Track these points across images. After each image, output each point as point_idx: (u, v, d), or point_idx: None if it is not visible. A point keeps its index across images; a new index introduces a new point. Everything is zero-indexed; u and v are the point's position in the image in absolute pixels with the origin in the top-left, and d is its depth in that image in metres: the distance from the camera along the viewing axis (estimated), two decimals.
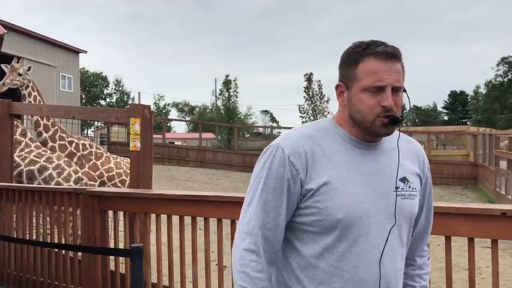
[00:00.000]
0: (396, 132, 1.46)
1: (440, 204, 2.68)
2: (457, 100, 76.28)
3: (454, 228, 2.55)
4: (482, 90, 67.45)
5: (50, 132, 5.47)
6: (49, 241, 4.31)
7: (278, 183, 1.40)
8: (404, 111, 1.50)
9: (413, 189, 1.47)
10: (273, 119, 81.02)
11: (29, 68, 6.17)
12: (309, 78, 40.05)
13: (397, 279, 1.45)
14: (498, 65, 58.22)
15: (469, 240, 2.58)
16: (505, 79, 58.02)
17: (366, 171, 1.42)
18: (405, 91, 1.41)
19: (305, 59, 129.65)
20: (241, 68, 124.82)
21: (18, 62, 6.03)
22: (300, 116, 39.88)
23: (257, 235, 1.40)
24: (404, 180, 1.45)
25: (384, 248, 1.39)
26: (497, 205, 2.63)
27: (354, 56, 1.40)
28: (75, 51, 31.23)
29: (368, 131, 1.41)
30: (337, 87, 1.47)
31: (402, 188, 1.44)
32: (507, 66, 57.45)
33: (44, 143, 5.50)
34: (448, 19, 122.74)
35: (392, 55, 1.36)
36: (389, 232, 1.40)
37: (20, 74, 5.94)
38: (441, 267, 5.10)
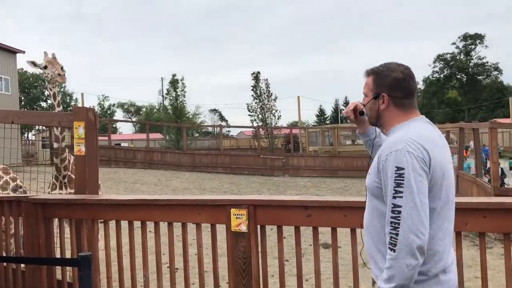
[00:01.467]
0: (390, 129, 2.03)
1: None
2: None
3: None
4: (421, 86, 70.54)
5: None
6: None
7: None
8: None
9: (370, 170, 1.97)
10: (221, 118, 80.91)
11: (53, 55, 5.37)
12: (256, 77, 40.25)
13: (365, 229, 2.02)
14: (434, 62, 61.17)
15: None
16: (441, 75, 61.02)
17: None
18: (376, 97, 2.00)
19: (252, 58, 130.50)
20: (188, 67, 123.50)
21: (47, 54, 5.19)
22: (249, 115, 40.01)
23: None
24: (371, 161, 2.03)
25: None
26: None
27: None
28: (12, 51, 29.69)
29: None
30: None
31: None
32: (442, 62, 60.42)
33: None
34: (385, 18, 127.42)
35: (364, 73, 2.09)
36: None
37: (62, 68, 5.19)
38: None
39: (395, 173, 1.78)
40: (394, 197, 1.77)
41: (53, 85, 5.10)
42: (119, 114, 74.63)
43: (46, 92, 61.16)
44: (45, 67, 5.03)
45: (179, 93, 38.63)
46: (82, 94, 35.63)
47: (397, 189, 1.76)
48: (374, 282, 1.99)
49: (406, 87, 1.95)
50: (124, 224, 3.42)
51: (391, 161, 1.80)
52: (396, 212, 1.76)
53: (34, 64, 5.12)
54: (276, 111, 40.01)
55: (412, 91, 1.98)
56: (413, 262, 1.74)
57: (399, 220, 1.75)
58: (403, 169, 1.76)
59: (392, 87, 1.94)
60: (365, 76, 2.05)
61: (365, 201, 2.04)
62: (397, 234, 1.76)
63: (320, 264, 2.95)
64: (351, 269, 2.84)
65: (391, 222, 1.78)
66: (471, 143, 15.58)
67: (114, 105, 73.86)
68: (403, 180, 1.76)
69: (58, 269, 3.82)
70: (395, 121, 1.97)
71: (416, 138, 1.82)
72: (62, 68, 5.08)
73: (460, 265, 2.58)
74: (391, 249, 1.77)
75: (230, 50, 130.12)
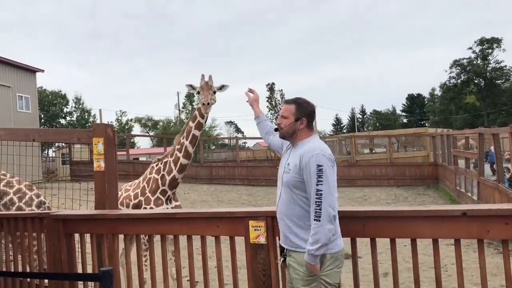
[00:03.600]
0: (301, 141, 2.92)
1: (403, 208, 2.77)
2: (414, 103, 78.64)
3: (419, 231, 2.63)
4: (438, 92, 69.87)
5: None
6: (12, 270, 4.15)
7: None
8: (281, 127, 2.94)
9: (289, 169, 2.83)
10: (237, 130, 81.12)
11: (222, 86, 5.15)
12: (271, 88, 40.46)
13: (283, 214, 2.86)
14: (451, 67, 60.48)
15: (433, 241, 2.67)
16: (459, 81, 60.27)
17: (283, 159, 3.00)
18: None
19: (266, 69, 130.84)
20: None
21: (204, 77, 5.01)
22: None
23: None
24: (288, 164, 2.86)
25: (278, 199, 2.92)
26: (457, 206, 2.73)
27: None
28: (32, 70, 30.36)
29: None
30: (302, 121, 2.94)
31: (285, 167, 2.88)
32: (459, 68, 59.71)
33: None
34: (400, 26, 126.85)
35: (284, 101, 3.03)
36: (280, 189, 2.89)
37: (214, 92, 5.02)
38: (410, 268, 5.22)
39: (317, 169, 2.69)
40: (317, 184, 2.67)
41: (205, 111, 4.96)
42: (136, 129, 75.34)
43: (65, 110, 62.22)
44: (198, 92, 4.98)
45: (195, 106, 38.96)
46: (100, 110, 36.04)
47: (319, 179, 2.67)
48: (284, 257, 2.84)
49: (314, 116, 2.97)
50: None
51: (313, 161, 2.70)
52: (319, 195, 2.65)
53: (192, 87, 5.07)
54: None
55: (315, 118, 3.00)
56: (331, 227, 2.64)
57: (321, 199, 2.64)
58: (322, 166, 2.69)
59: (309, 114, 2.92)
60: (286, 103, 2.97)
61: (283, 194, 2.86)
62: (320, 209, 2.63)
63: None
64: (372, 279, 2.81)
65: (316, 202, 2.65)
66: (492, 149, 15.31)
67: (131, 120, 74.64)
68: (322, 173, 2.68)
69: (80, 284, 3.86)
70: (304, 136, 2.90)
71: (323, 147, 2.81)
72: (214, 92, 4.97)
73: (483, 274, 2.54)
74: (317, 220, 2.62)
75: (244, 62, 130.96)
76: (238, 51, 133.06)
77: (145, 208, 5.01)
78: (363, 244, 3.81)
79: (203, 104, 4.88)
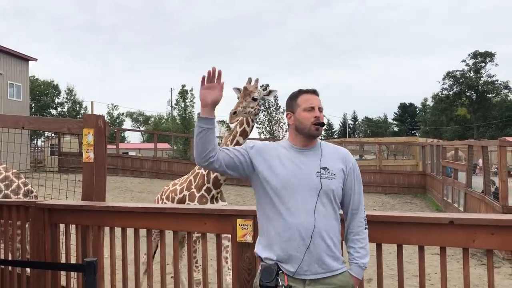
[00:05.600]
0: (323, 143, 2.44)
1: (391, 213, 2.78)
2: (406, 112, 79.16)
3: (405, 237, 2.64)
4: (430, 102, 70.33)
5: None
6: None
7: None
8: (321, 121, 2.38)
9: (332, 174, 2.31)
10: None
11: (269, 92, 4.73)
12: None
13: (323, 231, 2.32)
14: (444, 79, 60.89)
15: (419, 248, 2.68)
16: (451, 93, 60.71)
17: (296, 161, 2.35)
18: (320, 109, 2.38)
19: (260, 71, 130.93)
20: (197, 78, 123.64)
21: (251, 82, 4.56)
22: (257, 127, 40.18)
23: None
24: (325, 168, 2.31)
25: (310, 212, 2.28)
26: (445, 214, 2.74)
27: (295, 96, 2.45)
28: (25, 59, 30.09)
29: (307, 134, 2.35)
30: (287, 115, 2.47)
31: (322, 172, 2.30)
32: (452, 80, 60.16)
33: None
34: (397, 34, 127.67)
35: (314, 91, 2.43)
36: (314, 200, 2.27)
37: (254, 99, 4.46)
38: (393, 274, 5.25)
39: (359, 173, 2.43)
40: (360, 190, 2.41)
41: (230, 120, 4.50)
42: (128, 123, 74.93)
43: (57, 100, 61.70)
44: (238, 97, 4.53)
45: (188, 103, 38.89)
46: (92, 103, 35.86)
47: (361, 184, 2.43)
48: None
49: None
50: (130, 232, 3.42)
51: (356, 165, 2.42)
52: (361, 201, 2.41)
53: (238, 90, 4.60)
54: (284, 123, 40.12)
55: None
56: None
57: (363, 205, 2.43)
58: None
59: None
60: (316, 94, 2.43)
61: (319, 205, 2.27)
62: (365, 216, 2.41)
63: None
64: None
65: (362, 209, 2.40)
66: (480, 161, 15.45)
67: (123, 114, 74.28)
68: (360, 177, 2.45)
69: (63, 275, 3.82)
70: None
71: None
72: (254, 99, 4.46)
73: (466, 283, 2.55)
74: (366, 228, 2.40)
75: (239, 62, 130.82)
76: (233, 51, 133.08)
77: (188, 204, 4.72)
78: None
79: (230, 113, 4.43)
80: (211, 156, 2.29)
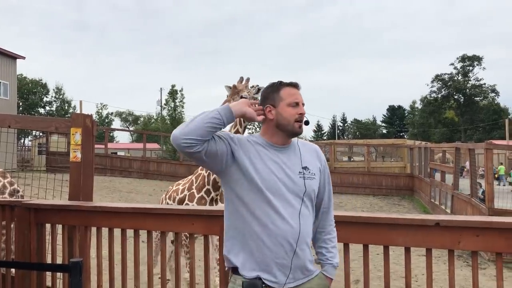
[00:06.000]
0: (295, 139, 2.24)
1: (378, 215, 2.79)
2: (395, 114, 79.70)
3: (392, 238, 2.66)
4: (418, 105, 70.93)
5: None
6: None
7: None
8: (305, 119, 2.19)
9: (313, 174, 2.17)
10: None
11: (258, 90, 4.67)
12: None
13: (307, 237, 2.17)
14: (432, 81, 61.55)
15: (405, 249, 2.70)
16: (439, 95, 61.36)
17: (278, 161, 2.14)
18: (303, 104, 2.21)
19: (251, 72, 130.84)
20: (187, 78, 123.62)
21: (242, 81, 4.56)
22: (248, 127, 40.15)
23: None
24: (306, 167, 2.16)
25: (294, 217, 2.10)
26: (431, 216, 2.77)
27: (276, 87, 2.20)
28: (12, 57, 29.74)
29: (290, 132, 2.16)
30: (266, 108, 2.18)
31: (304, 173, 2.14)
32: (440, 83, 60.81)
33: None
34: (387, 37, 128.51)
35: (297, 84, 2.23)
36: (299, 204, 2.10)
37: (242, 98, 4.15)
38: (381, 276, 5.28)
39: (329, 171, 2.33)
40: (330, 186, 2.32)
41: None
42: (117, 123, 74.47)
43: (45, 99, 61.06)
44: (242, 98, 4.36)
45: (177, 103, 38.72)
46: (80, 102, 35.50)
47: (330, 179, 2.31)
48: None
49: None
50: (117, 233, 3.40)
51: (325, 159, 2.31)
52: (331, 198, 2.33)
53: (229, 88, 4.59)
54: None
55: None
56: None
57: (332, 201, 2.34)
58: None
59: None
60: (298, 88, 2.23)
61: (304, 209, 2.12)
62: (332, 214, 2.34)
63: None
64: (343, 286, 2.83)
65: (332, 206, 2.33)
66: (467, 164, 15.60)
67: (112, 113, 73.81)
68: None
69: (48, 276, 3.79)
70: None
71: None
72: (242, 97, 4.31)
73: (452, 284, 2.57)
74: (335, 226, 2.35)
75: (230, 63, 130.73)
76: (224, 51, 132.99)
77: (187, 204, 4.71)
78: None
79: None
80: (196, 141, 1.99)
